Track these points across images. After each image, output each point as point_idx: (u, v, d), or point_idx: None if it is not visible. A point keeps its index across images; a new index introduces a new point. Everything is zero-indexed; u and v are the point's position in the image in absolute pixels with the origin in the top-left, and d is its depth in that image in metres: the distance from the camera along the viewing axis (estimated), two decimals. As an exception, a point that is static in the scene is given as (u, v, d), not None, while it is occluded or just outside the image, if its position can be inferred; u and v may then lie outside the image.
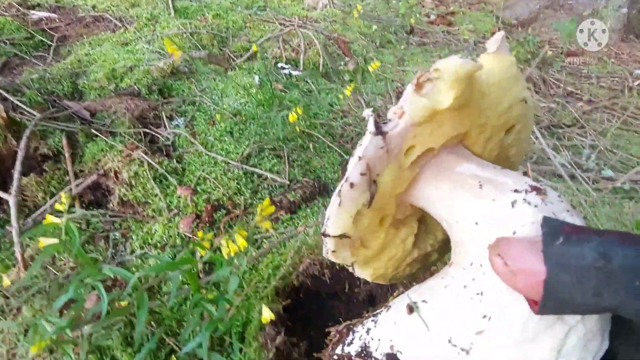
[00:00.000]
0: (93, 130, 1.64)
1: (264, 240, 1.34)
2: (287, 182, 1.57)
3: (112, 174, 1.52)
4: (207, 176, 1.52)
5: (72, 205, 1.48)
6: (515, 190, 0.44)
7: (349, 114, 2.19)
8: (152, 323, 1.11)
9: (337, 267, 1.14)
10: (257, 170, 1.58)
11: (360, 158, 0.47)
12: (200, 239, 0.97)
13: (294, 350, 0.98)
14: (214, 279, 1.02)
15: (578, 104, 2.69)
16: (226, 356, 1.00)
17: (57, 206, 0.96)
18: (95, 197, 1.55)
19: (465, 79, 0.46)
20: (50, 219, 0.95)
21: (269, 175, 1.57)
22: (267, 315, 0.94)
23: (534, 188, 0.45)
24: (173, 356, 1.05)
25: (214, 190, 1.49)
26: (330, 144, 1.88)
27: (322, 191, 1.55)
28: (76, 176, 1.53)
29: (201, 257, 1.26)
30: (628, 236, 0.32)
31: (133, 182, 1.48)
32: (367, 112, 0.49)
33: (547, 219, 0.36)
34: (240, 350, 0.94)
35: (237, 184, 1.51)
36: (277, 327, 0.97)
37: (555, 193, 0.46)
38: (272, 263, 1.21)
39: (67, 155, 1.55)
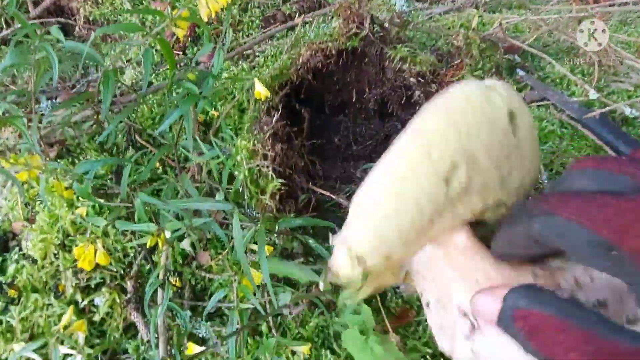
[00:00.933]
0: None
1: (258, 54, 1.15)
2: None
3: (73, -7, 1.29)
4: (187, -8, 1.29)
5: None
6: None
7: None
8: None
9: (343, 59, 0.96)
10: (245, -14, 1.34)
11: None
12: None
13: (296, 140, 0.83)
14: (195, 59, 0.84)
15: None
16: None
17: (-13, -36, 0.76)
18: (59, 24, 1.33)
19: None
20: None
21: (260, -10, 1.33)
22: (262, 90, 0.78)
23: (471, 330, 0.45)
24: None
25: (196, 5, 1.26)
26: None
27: (323, 4, 1.32)
28: (32, -3, 1.30)
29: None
30: None
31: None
32: None
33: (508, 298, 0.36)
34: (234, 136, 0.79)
35: (223, -1, 1.28)
36: (273, 114, 0.81)
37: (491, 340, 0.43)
38: (268, 69, 1.03)
39: (17, -29, 1.30)
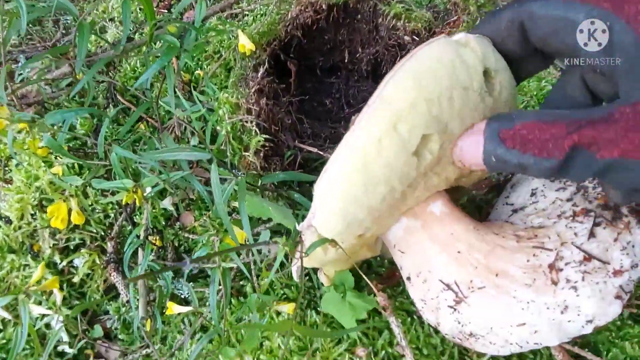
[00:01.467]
0: None
1: (247, 13, 1.10)
2: (272, -43, 1.27)
3: (53, -51, 1.22)
4: (172, -52, 1.22)
5: None
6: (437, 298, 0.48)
7: None
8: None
9: (334, 15, 0.92)
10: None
11: None
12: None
13: (284, 97, 0.80)
14: (177, 11, 0.80)
15: None
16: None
17: None
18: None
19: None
20: None
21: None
22: (246, 43, 0.74)
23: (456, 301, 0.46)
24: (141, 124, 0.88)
25: (182, -37, 1.20)
26: None
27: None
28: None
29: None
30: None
31: (80, -45, 1.19)
32: None
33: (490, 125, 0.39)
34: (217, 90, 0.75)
35: (210, -44, 1.22)
36: (259, 70, 0.77)
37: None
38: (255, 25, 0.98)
39: None
